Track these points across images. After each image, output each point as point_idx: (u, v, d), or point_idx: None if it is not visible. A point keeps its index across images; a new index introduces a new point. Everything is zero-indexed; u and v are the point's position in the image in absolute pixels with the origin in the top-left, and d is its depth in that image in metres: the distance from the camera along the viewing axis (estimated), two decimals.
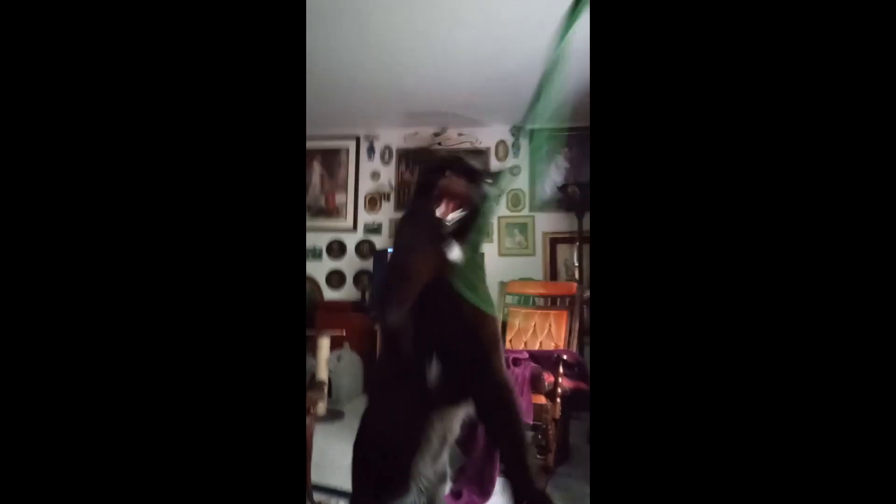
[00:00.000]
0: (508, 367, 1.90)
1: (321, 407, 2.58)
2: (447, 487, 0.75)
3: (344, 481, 0.79)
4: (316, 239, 3.70)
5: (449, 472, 0.75)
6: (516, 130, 3.50)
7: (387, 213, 3.67)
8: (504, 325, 2.31)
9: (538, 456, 1.76)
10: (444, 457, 0.73)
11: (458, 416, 0.67)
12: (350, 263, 3.66)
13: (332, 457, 1.77)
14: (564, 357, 1.81)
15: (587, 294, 2.54)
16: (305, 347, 2.37)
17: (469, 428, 0.71)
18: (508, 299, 2.37)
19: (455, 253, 0.60)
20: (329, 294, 3.64)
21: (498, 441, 0.65)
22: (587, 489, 1.72)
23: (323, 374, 2.60)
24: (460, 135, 3.58)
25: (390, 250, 3.35)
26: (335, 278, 3.66)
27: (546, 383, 1.74)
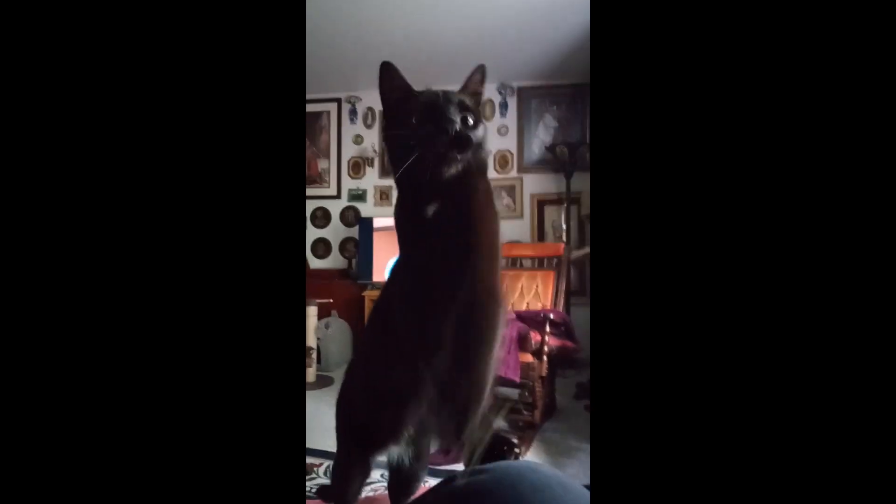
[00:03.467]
0: None
1: (310, 373, 2.58)
2: (434, 442, 0.72)
3: (334, 444, 0.78)
4: None
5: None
6: (503, 88, 3.38)
7: (371, 179, 3.58)
8: None
9: (525, 412, 1.77)
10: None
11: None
12: (335, 231, 3.60)
13: (321, 421, 1.77)
14: (551, 316, 1.80)
15: (574, 254, 2.52)
16: (306, 318, 2.35)
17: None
18: None
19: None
20: (315, 263, 3.60)
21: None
22: (572, 443, 1.75)
23: (311, 341, 2.59)
24: None
25: (376, 222, 3.29)
26: (321, 247, 3.60)
27: (533, 342, 1.74)
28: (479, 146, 0.55)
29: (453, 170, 0.52)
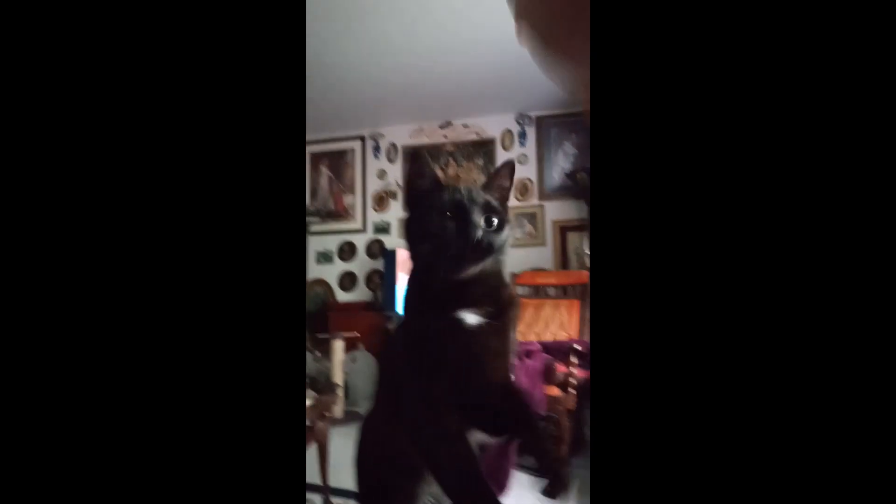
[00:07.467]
0: (521, 359, 1.87)
1: (337, 409, 2.59)
2: None
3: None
4: (327, 242, 3.72)
5: None
6: (522, 118, 3.44)
7: (395, 212, 3.66)
8: None
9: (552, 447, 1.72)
10: None
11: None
12: (361, 264, 3.67)
13: (349, 458, 1.77)
14: (577, 347, 1.77)
15: None
16: (305, 352, 2.37)
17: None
18: (519, 291, 2.33)
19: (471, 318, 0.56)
20: (342, 296, 3.66)
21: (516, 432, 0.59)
22: None
23: (338, 376, 2.61)
24: (465, 126, 3.54)
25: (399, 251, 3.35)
26: (347, 280, 3.67)
27: (559, 374, 1.71)
28: (501, 250, 0.56)
29: (470, 272, 0.54)
